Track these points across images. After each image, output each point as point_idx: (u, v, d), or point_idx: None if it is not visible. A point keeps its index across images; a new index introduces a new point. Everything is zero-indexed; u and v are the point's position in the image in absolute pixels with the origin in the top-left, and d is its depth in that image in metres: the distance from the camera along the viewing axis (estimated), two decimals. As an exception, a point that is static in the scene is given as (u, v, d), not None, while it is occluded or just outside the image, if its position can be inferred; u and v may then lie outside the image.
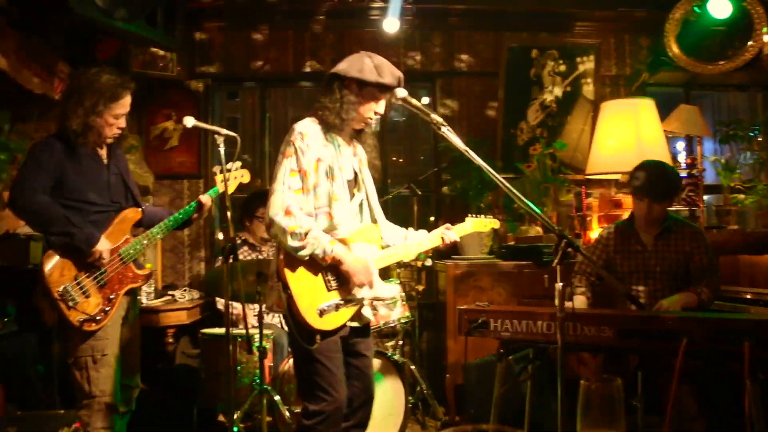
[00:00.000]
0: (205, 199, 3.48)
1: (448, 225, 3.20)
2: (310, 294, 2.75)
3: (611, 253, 3.75)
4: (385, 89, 2.83)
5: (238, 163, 3.66)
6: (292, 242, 2.68)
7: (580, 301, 3.65)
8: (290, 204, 2.72)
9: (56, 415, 3.05)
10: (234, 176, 3.66)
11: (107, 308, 3.14)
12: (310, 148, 2.79)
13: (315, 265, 2.77)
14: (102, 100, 3.14)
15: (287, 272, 2.73)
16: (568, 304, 3.54)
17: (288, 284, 2.72)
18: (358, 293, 2.84)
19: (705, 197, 5.24)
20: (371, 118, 2.92)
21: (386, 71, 2.82)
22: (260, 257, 4.83)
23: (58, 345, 3.97)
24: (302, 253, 2.70)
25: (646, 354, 2.92)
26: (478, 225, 3.41)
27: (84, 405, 3.13)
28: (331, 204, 2.81)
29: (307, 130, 2.82)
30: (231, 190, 3.55)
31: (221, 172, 3.42)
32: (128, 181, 3.41)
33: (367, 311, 2.91)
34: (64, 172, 3.13)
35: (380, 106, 2.89)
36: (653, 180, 3.60)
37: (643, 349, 2.80)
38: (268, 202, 2.76)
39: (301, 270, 2.75)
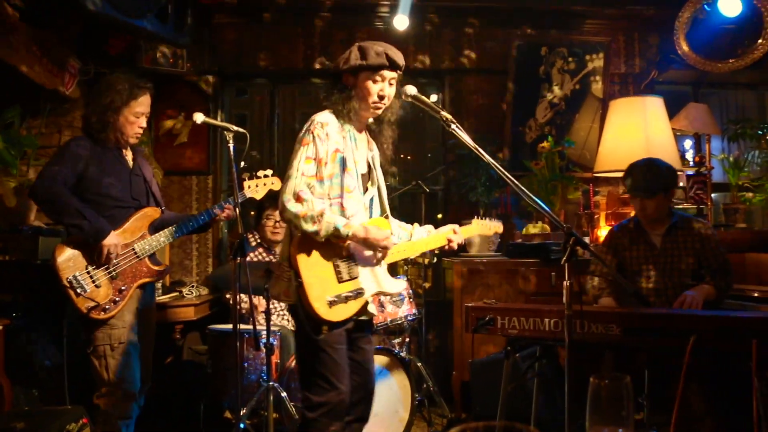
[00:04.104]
0: (228, 208, 3.54)
1: (455, 227, 3.17)
2: (321, 284, 2.74)
3: (621, 252, 3.75)
4: (376, 69, 2.81)
5: (269, 171, 3.79)
6: (307, 226, 2.67)
7: (607, 303, 3.64)
8: (301, 189, 2.71)
9: (64, 410, 3.05)
10: (264, 183, 3.78)
11: (117, 299, 3.24)
12: (329, 137, 2.79)
13: (327, 255, 2.77)
14: (121, 98, 3.31)
15: (300, 260, 2.71)
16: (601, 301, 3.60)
17: (300, 272, 2.70)
18: (366, 288, 2.84)
19: (713, 195, 5.22)
20: (378, 102, 2.86)
21: (371, 53, 2.80)
22: (274, 260, 4.80)
23: (68, 338, 4.00)
24: (321, 234, 2.69)
25: (654, 352, 2.92)
26: (483, 228, 3.41)
27: (103, 393, 3.23)
28: (343, 195, 2.82)
29: (326, 119, 2.82)
30: (260, 196, 3.79)
31: (249, 178, 3.68)
32: (151, 186, 3.54)
33: (371, 306, 2.91)
34: (86, 166, 3.27)
35: (384, 87, 2.84)
36: (638, 176, 3.62)
37: (651, 347, 2.80)
38: (282, 187, 2.77)
39: (314, 259, 2.74)
